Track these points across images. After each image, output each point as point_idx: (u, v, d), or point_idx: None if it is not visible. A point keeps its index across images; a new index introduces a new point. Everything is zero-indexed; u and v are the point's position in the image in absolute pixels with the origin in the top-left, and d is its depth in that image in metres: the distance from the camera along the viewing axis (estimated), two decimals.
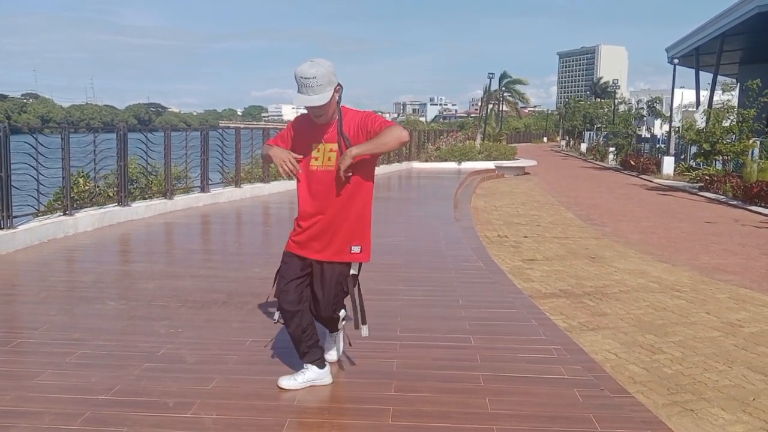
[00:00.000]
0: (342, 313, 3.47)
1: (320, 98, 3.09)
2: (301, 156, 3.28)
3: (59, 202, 9.14)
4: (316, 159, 3.27)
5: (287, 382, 3.48)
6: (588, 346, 5.17)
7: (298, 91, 3.10)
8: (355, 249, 3.32)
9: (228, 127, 18.88)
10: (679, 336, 5.62)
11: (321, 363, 3.49)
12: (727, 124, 19.09)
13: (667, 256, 9.28)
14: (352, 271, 3.39)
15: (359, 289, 3.45)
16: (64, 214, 8.17)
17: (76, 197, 9.02)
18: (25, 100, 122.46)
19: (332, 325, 3.58)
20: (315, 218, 3.28)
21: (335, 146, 3.23)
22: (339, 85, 3.17)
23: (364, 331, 3.48)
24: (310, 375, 3.47)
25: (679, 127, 28.22)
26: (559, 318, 5.97)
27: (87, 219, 8.38)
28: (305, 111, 3.30)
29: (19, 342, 4.19)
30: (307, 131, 3.30)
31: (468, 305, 5.17)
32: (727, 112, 19.40)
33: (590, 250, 9.58)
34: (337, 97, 3.18)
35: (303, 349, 3.42)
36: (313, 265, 3.34)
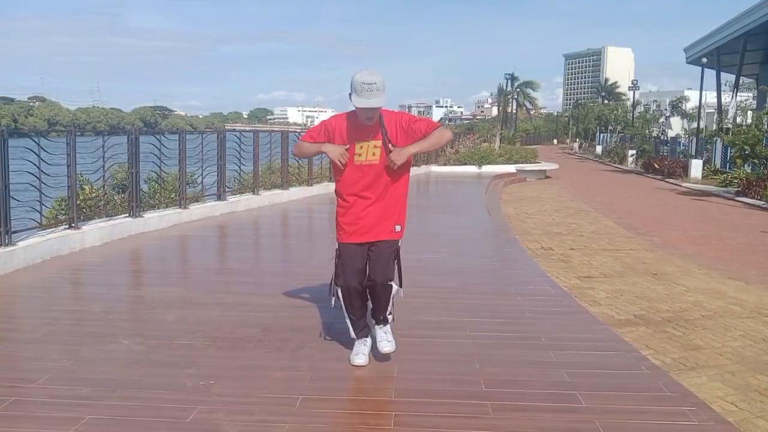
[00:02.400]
0: (394, 289, 3.83)
1: (381, 101, 3.56)
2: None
3: (63, 213, 8.32)
4: (360, 155, 3.73)
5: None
6: (695, 390, 4.28)
7: (359, 96, 3.51)
8: (397, 228, 3.84)
9: (234, 130, 18.11)
10: None
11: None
12: (766, 126, 18.15)
13: (736, 272, 8.37)
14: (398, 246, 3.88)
15: (399, 260, 3.88)
16: (70, 227, 7.33)
17: (81, 205, 8.20)
18: (31, 103, 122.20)
19: (385, 299, 3.81)
20: (363, 206, 3.75)
21: (379, 143, 3.70)
22: None
23: (401, 293, 3.94)
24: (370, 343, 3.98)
25: (703, 129, 27.34)
26: (647, 353, 5.07)
27: (95, 232, 7.53)
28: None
29: (13, 401, 3.33)
30: (349, 131, 3.73)
31: (555, 345, 4.29)
32: (766, 113, 18.44)
33: (648, 265, 8.68)
34: None
35: (362, 325, 3.95)
36: (365, 246, 3.79)
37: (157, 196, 10.08)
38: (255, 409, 3.27)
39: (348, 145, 3.71)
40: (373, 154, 3.69)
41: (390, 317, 3.93)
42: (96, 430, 3.02)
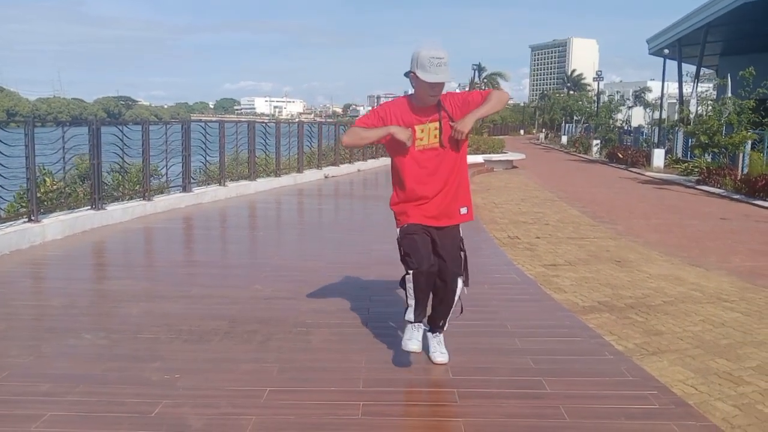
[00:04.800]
0: (460, 284, 3.65)
1: (448, 76, 3.45)
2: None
3: (23, 206, 8.11)
4: (421, 139, 3.59)
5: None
6: (657, 374, 4.38)
7: (426, 71, 3.39)
8: (463, 210, 3.72)
9: (200, 120, 17.88)
10: (755, 360, 4.86)
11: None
12: (725, 116, 18.60)
13: (696, 259, 8.58)
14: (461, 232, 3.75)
15: (465, 252, 3.74)
16: (30, 220, 7.15)
17: (42, 198, 8.00)
18: None
19: (450, 296, 3.65)
20: (430, 191, 3.60)
21: (439, 124, 3.56)
22: None
23: (465, 290, 3.75)
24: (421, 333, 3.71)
25: (665, 119, 27.87)
26: (611, 339, 5.17)
27: (56, 225, 7.37)
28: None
29: None
30: (408, 115, 3.59)
31: (521, 332, 4.35)
32: (725, 104, 18.90)
33: (612, 253, 8.84)
34: None
35: (423, 308, 3.65)
36: (432, 233, 3.63)
37: (120, 188, 9.89)
38: (221, 402, 3.24)
39: (410, 129, 3.56)
40: (435, 137, 3.56)
41: (446, 326, 3.79)
42: (58, 427, 2.96)
